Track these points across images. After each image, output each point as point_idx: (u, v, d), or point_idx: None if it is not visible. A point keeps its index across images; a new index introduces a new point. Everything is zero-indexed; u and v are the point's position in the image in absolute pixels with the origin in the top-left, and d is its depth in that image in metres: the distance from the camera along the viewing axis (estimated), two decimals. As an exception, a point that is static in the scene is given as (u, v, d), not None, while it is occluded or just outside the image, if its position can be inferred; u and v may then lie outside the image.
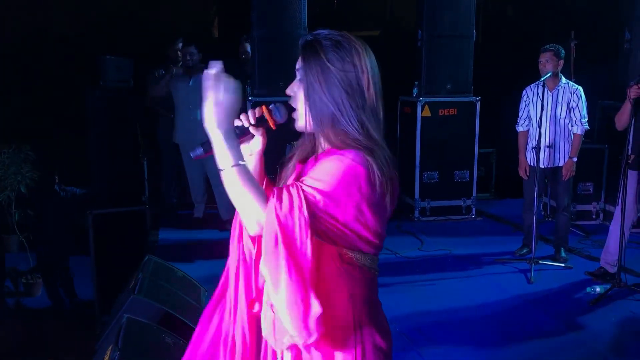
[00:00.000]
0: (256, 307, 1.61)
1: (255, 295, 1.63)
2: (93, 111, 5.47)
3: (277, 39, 5.89)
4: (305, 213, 1.37)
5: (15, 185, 4.51)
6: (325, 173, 1.43)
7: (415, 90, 6.52)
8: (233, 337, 1.64)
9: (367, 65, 1.50)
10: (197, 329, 1.73)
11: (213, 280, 1.73)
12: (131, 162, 6.23)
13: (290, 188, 1.41)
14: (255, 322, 1.63)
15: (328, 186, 1.41)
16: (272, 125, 1.57)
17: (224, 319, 1.68)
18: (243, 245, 1.64)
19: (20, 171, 4.54)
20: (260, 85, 5.97)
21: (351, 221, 1.44)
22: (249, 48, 6.58)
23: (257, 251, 1.61)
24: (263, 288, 1.60)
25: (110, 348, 2.56)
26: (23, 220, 4.76)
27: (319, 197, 1.40)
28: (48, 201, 4.89)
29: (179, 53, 6.38)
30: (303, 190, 1.40)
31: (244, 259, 1.64)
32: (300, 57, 1.53)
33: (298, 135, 1.64)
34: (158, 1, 7.97)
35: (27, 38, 7.02)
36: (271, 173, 1.65)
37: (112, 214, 4.19)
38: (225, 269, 1.70)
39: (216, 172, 1.48)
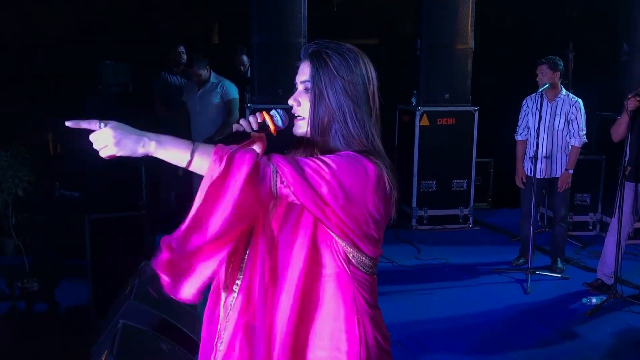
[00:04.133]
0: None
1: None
2: (91, 115, 5.46)
3: (277, 46, 5.92)
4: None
5: (12, 188, 4.49)
6: (334, 156, 1.42)
7: (413, 99, 6.54)
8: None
9: (372, 76, 1.52)
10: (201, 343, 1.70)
11: (209, 287, 1.72)
12: (129, 166, 6.22)
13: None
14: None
15: (336, 165, 1.39)
16: (272, 132, 1.56)
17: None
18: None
19: (18, 175, 4.52)
20: (260, 91, 5.99)
21: (359, 211, 1.42)
22: (245, 59, 6.66)
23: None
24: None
25: (105, 353, 2.55)
26: (20, 223, 4.74)
27: (326, 169, 1.38)
28: (45, 205, 4.88)
29: (183, 56, 6.54)
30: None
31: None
32: (307, 67, 1.51)
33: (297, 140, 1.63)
34: (158, 7, 7.98)
35: (25, 42, 7.03)
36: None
37: (109, 219, 4.17)
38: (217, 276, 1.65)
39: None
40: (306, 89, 1.52)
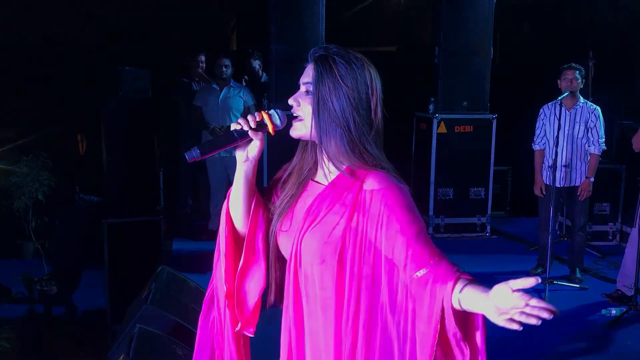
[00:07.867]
0: (238, 326, 1.63)
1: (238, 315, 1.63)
2: (111, 121, 5.53)
3: (295, 53, 5.94)
4: None
5: (32, 192, 4.56)
6: (407, 216, 1.48)
7: (431, 107, 6.52)
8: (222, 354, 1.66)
9: (377, 87, 1.51)
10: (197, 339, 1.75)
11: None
12: (147, 172, 6.28)
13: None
14: (241, 339, 1.65)
15: (418, 224, 1.51)
16: (271, 131, 1.56)
17: (213, 335, 1.69)
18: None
19: (38, 179, 4.59)
20: (277, 99, 6.02)
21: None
22: (255, 64, 6.68)
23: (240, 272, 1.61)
24: (244, 307, 1.61)
25: (121, 357, 2.57)
26: (39, 227, 4.80)
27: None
28: (65, 209, 4.93)
29: (200, 64, 6.58)
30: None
31: None
32: (311, 70, 1.51)
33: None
34: (177, 13, 8.06)
35: (45, 47, 7.13)
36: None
37: (127, 223, 4.21)
38: (212, 281, 1.69)
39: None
40: (307, 91, 1.52)
